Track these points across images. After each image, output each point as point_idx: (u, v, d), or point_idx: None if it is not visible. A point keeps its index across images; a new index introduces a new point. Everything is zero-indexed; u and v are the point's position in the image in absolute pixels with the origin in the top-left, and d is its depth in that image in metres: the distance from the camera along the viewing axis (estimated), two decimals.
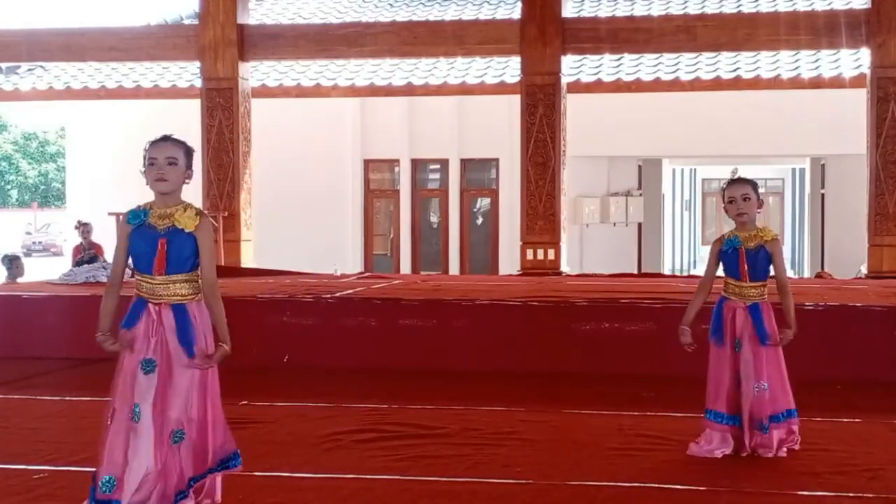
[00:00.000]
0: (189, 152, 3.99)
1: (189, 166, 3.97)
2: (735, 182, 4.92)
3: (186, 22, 17.04)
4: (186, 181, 3.98)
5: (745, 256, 4.84)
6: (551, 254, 11.78)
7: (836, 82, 14.53)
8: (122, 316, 3.92)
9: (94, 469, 3.86)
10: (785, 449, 4.95)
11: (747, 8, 17.41)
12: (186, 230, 3.89)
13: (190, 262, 3.91)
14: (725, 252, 4.92)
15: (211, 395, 3.92)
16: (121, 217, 4.03)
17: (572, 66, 14.68)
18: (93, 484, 3.81)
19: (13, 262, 11.71)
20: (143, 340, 3.85)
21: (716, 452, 4.90)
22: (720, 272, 5.03)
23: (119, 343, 3.90)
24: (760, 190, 5.10)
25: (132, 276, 4.02)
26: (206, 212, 4.00)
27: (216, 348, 3.91)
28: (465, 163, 18.16)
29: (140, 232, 3.91)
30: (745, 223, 4.88)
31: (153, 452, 3.76)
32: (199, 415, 3.87)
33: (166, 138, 3.98)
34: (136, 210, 3.96)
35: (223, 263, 11.94)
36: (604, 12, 17.65)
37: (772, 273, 4.96)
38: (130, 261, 4.00)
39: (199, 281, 3.95)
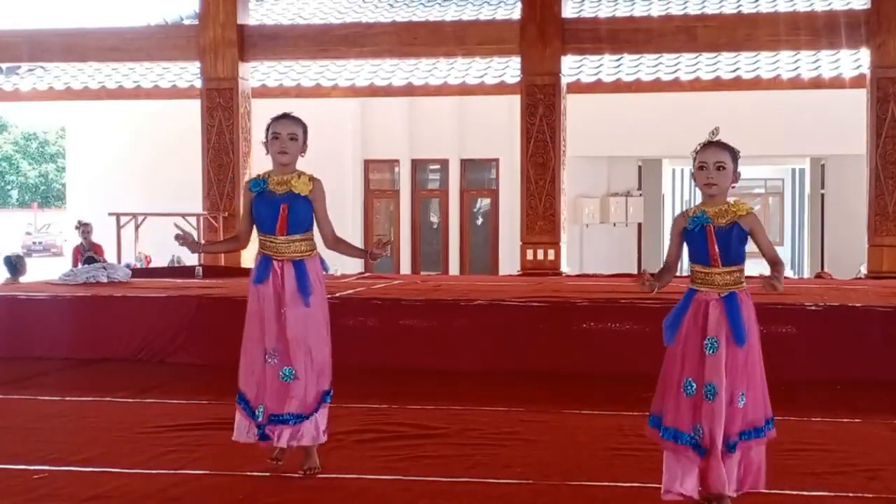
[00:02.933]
0: (306, 129, 4.56)
1: (305, 141, 4.55)
2: (710, 145, 3.99)
3: (186, 22, 17.04)
4: (302, 154, 4.56)
5: (715, 236, 3.93)
6: (551, 254, 11.78)
7: (836, 83, 14.53)
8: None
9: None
10: (746, 485, 4.00)
11: (747, 8, 17.42)
12: (302, 194, 4.49)
13: (307, 223, 4.56)
14: (691, 231, 3.99)
15: (326, 332, 4.69)
16: (244, 186, 4.73)
17: (572, 67, 14.68)
18: (244, 404, 4.60)
19: (17, 263, 11.73)
20: (274, 294, 4.50)
21: (691, 492, 3.96)
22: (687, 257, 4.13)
23: (188, 242, 4.65)
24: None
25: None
26: (317, 178, 4.62)
27: (373, 248, 4.64)
28: (465, 163, 18.15)
29: (262, 198, 4.52)
30: (715, 196, 3.99)
31: (278, 383, 4.52)
32: (316, 351, 4.63)
33: (287, 115, 4.55)
34: (255, 179, 4.58)
35: (223, 264, 11.94)
36: (604, 13, 17.65)
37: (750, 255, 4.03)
38: (242, 227, 4.72)
39: (313, 239, 4.60)
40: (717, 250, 3.93)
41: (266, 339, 4.55)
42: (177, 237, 4.63)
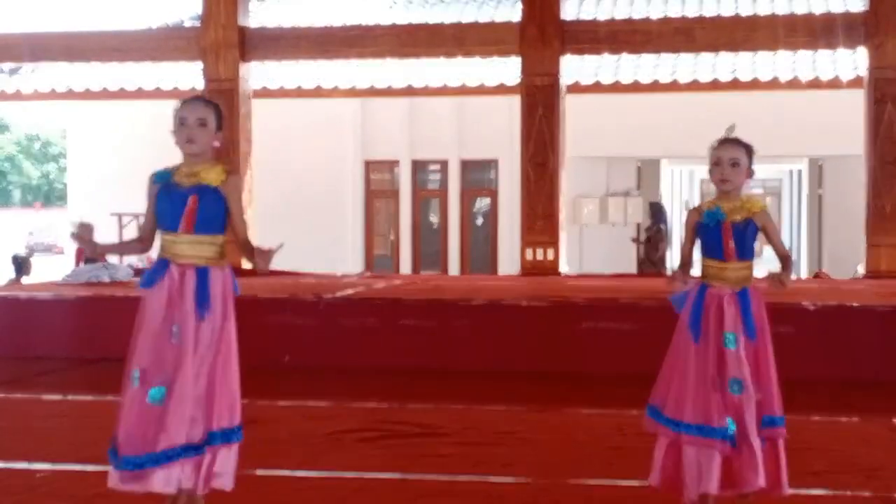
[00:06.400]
0: (220, 113, 3.87)
1: (219, 128, 3.85)
2: (725, 142, 4.06)
3: (188, 23, 17.07)
4: (216, 144, 3.86)
5: (732, 231, 4.00)
6: (551, 254, 11.79)
7: (834, 83, 14.55)
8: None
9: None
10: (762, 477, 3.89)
11: (745, 10, 17.44)
12: (213, 185, 3.78)
13: (217, 223, 3.80)
14: (706, 226, 4.04)
15: (223, 360, 3.81)
16: (148, 179, 3.92)
17: (571, 68, 14.70)
18: (114, 447, 3.71)
19: (23, 263, 11.79)
20: (167, 307, 3.72)
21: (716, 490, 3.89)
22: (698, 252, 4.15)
23: (84, 239, 3.84)
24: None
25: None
26: (233, 171, 3.92)
27: (261, 254, 3.71)
28: (464, 163, 18.18)
29: (167, 190, 3.80)
30: (729, 192, 4.04)
31: (145, 408, 3.65)
32: (208, 377, 3.76)
33: (198, 98, 3.90)
34: (161, 171, 3.86)
35: None
36: (602, 15, 17.68)
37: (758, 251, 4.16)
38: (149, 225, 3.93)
39: (224, 247, 3.83)
40: (732, 245, 3.99)
41: (136, 356, 3.71)
42: (72, 235, 3.90)
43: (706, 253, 4.06)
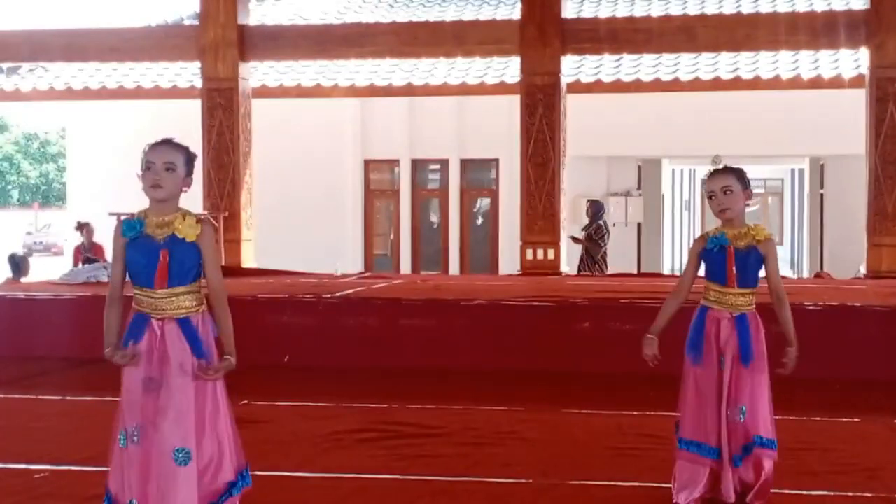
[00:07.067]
0: (190, 158, 3.70)
1: (189, 173, 3.68)
2: (715, 174, 4.17)
3: (187, 22, 17.06)
4: (185, 189, 3.70)
5: (735, 258, 4.10)
6: (551, 254, 11.80)
7: (836, 82, 14.53)
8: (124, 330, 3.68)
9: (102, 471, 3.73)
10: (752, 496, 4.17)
11: (746, 9, 17.43)
12: (188, 240, 3.61)
13: (193, 273, 3.65)
14: (710, 251, 4.15)
15: (223, 410, 3.68)
16: (115, 227, 3.74)
17: (572, 67, 14.69)
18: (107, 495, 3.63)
19: (20, 262, 11.78)
20: (146, 358, 3.57)
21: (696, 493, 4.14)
22: (702, 275, 4.31)
23: (126, 356, 3.57)
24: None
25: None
26: (206, 215, 3.77)
27: (221, 360, 3.62)
28: (465, 163, 18.17)
29: (137, 244, 3.63)
30: (732, 220, 4.13)
31: (156, 474, 3.52)
32: (210, 431, 3.62)
33: (166, 142, 3.71)
34: (130, 221, 3.67)
35: (224, 263, 11.97)
36: (603, 13, 17.67)
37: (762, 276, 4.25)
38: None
39: (201, 291, 3.69)
40: (734, 272, 4.10)
41: (127, 416, 3.57)
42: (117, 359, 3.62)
43: (709, 277, 4.20)
